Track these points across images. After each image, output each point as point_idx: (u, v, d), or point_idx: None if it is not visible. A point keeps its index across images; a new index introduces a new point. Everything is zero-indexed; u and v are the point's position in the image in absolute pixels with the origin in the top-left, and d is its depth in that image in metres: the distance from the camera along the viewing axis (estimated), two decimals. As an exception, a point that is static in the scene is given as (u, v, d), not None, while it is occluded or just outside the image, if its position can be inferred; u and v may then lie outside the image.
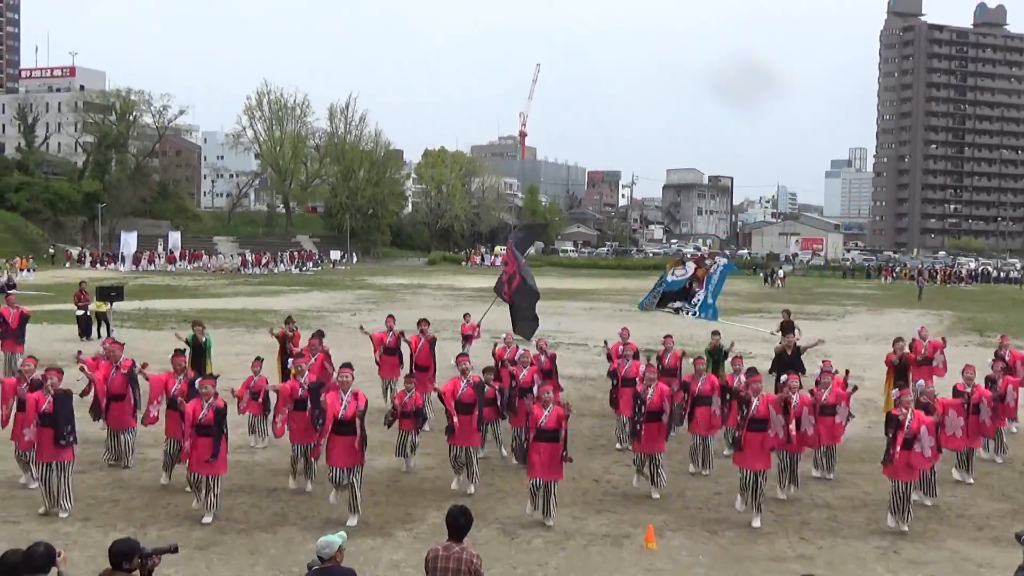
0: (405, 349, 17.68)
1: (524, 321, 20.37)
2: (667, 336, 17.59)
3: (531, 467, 11.56)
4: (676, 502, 12.72)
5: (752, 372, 13.01)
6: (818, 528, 11.76)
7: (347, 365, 12.16)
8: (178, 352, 14.26)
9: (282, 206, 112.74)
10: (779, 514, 12.19)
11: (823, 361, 15.38)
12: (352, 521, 11.20)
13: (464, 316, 22.86)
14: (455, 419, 12.70)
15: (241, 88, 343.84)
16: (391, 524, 11.44)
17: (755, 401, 12.01)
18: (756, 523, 11.67)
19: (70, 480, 11.51)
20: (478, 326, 21.51)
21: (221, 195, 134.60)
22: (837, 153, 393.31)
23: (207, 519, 11.27)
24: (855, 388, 14.23)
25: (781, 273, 72.55)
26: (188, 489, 11.91)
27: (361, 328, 19.91)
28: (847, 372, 15.03)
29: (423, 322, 18.01)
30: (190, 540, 10.58)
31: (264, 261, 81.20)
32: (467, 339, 21.28)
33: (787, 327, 22.45)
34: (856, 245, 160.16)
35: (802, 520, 12.05)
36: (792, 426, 12.25)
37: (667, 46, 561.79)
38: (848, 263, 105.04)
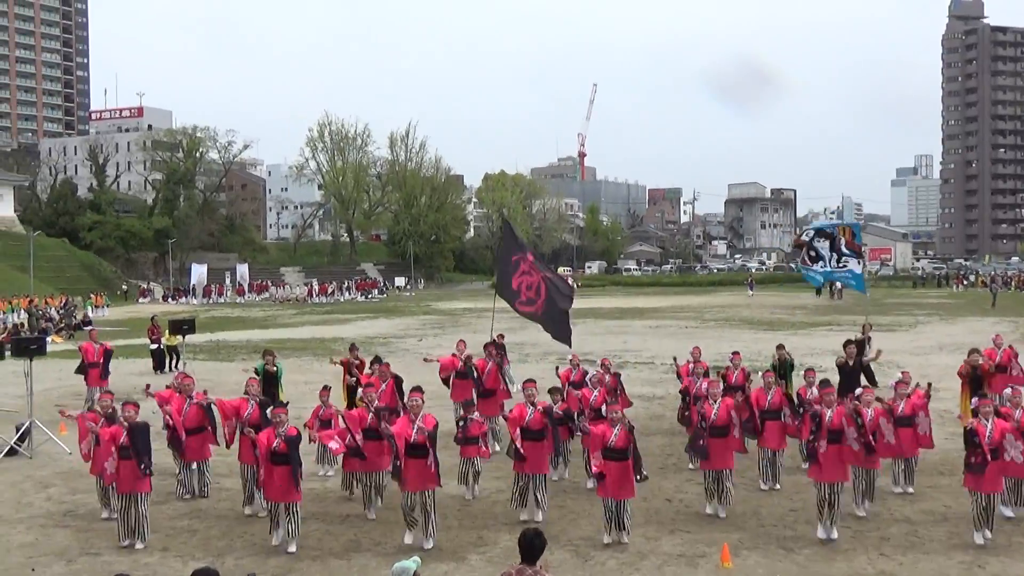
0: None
1: (558, 325, 18.82)
2: (735, 353, 17.44)
3: (601, 486, 11.50)
4: (751, 520, 12.54)
5: (825, 384, 12.82)
6: (898, 544, 11.51)
7: (417, 389, 12.16)
8: (253, 376, 14.49)
9: (346, 235, 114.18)
10: (857, 530, 11.95)
11: (902, 372, 15.06)
12: (428, 544, 11.23)
13: (498, 336, 22.68)
14: (520, 446, 12.52)
15: (302, 120, 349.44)
16: (464, 548, 11.44)
17: (829, 413, 11.86)
18: (834, 534, 11.46)
19: (146, 511, 11.72)
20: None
21: (286, 226, 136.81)
22: (902, 161, 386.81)
23: (292, 548, 11.31)
24: (928, 392, 13.90)
25: (839, 285, 72.12)
26: (262, 514, 12.00)
27: (424, 359, 20.02)
28: (928, 385, 14.59)
29: (490, 345, 18.04)
30: (266, 568, 10.70)
31: (330, 290, 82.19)
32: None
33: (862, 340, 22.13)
34: (925, 253, 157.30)
35: (881, 536, 11.80)
36: (870, 438, 12.04)
37: (720, 59, 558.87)
38: (918, 272, 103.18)
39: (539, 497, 12.63)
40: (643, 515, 12.55)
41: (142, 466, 11.56)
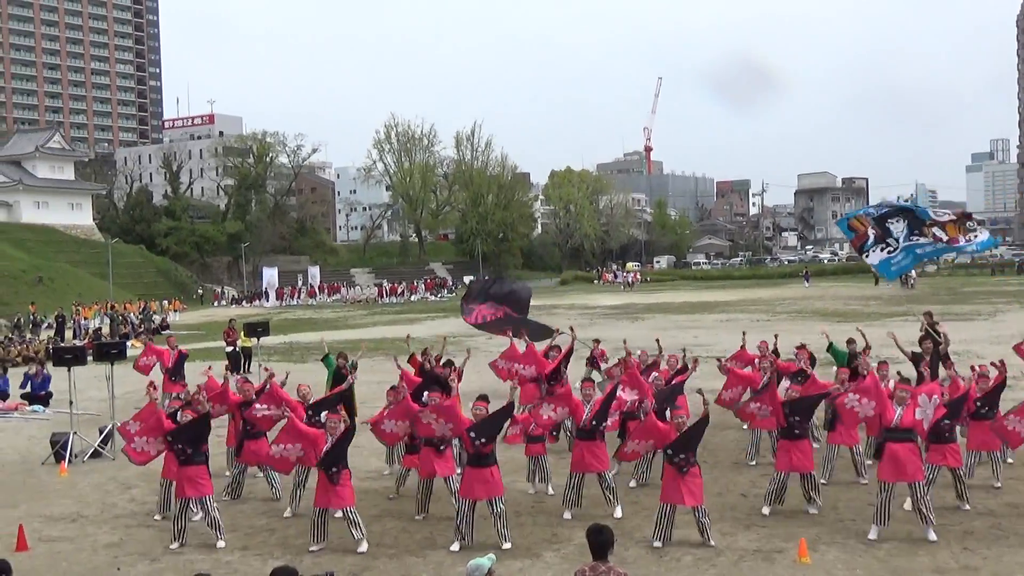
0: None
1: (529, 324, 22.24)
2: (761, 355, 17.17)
3: (664, 491, 11.26)
4: (829, 514, 12.35)
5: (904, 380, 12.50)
6: (983, 537, 11.24)
7: (482, 398, 12.07)
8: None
9: (414, 235, 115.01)
10: (940, 524, 11.68)
11: (980, 366, 14.60)
12: (506, 544, 11.24)
13: (595, 341, 22.59)
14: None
15: (370, 121, 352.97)
16: (538, 545, 11.45)
17: (899, 411, 11.40)
18: (931, 536, 11.11)
19: (215, 513, 11.92)
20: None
21: (356, 228, 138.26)
22: (978, 146, 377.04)
23: (363, 548, 11.35)
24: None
25: (914, 274, 71.41)
26: (338, 515, 12.05)
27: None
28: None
29: (555, 348, 18.04)
30: (344, 566, 10.82)
31: (400, 290, 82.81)
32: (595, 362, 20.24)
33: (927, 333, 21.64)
34: (1004, 239, 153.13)
35: (965, 529, 11.54)
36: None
37: (783, 48, 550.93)
38: (996, 259, 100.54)
39: (608, 495, 12.55)
40: (718, 511, 12.43)
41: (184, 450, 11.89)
